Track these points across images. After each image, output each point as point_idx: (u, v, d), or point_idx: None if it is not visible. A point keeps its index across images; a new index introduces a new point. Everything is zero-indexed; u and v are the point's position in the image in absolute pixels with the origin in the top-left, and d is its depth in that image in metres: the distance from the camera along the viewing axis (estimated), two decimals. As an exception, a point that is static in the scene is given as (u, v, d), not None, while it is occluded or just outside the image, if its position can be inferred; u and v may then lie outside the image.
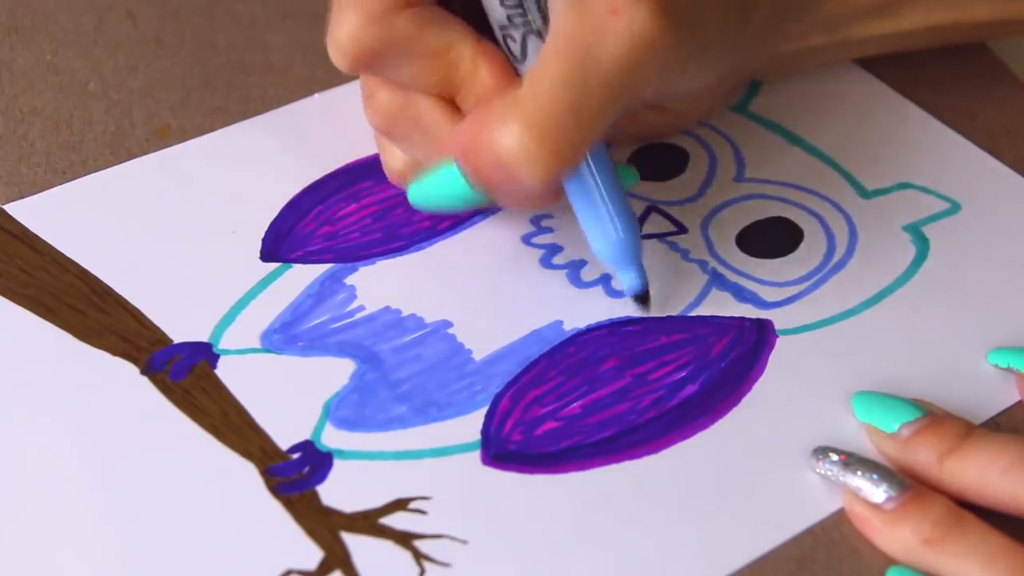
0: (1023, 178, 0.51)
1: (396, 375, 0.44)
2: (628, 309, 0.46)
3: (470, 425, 0.43)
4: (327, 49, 0.43)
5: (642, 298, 0.46)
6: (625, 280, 0.45)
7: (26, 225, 0.48)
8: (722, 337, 0.46)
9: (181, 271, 0.47)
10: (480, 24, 0.44)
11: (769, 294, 0.47)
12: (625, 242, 0.45)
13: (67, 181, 0.50)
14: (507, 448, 0.42)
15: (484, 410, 0.43)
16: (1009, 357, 0.45)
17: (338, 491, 0.41)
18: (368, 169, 0.50)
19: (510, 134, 0.40)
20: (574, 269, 0.48)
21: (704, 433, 0.43)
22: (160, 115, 0.52)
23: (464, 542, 0.40)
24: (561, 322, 0.46)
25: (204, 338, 0.45)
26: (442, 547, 0.40)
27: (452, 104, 0.44)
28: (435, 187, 0.45)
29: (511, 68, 0.44)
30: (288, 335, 0.45)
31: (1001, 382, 0.45)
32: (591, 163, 0.44)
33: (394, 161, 0.47)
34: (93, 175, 0.50)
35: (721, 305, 0.47)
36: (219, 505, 0.41)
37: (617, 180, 0.45)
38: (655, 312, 0.46)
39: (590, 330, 0.46)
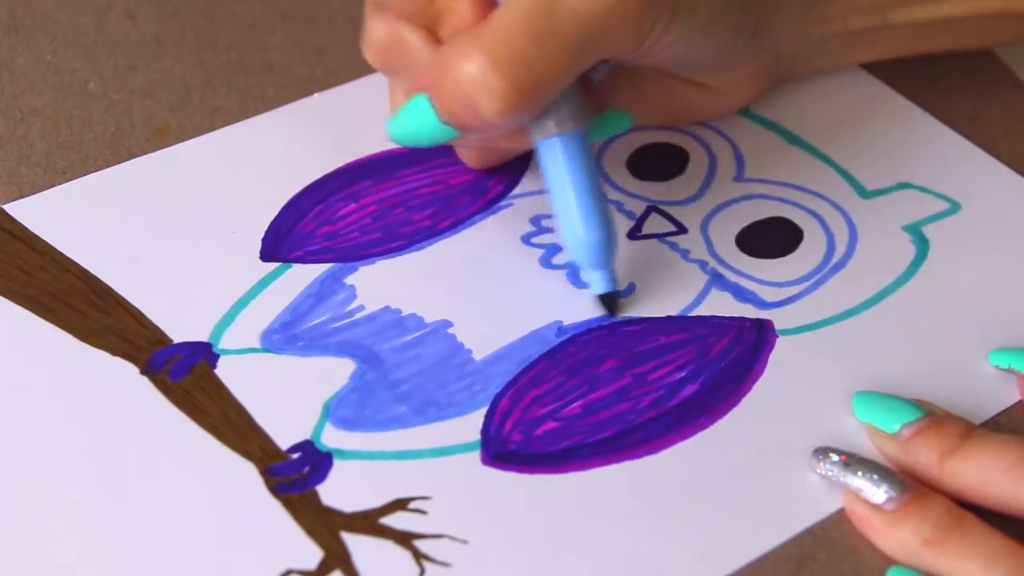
0: (1023, 178, 0.51)
1: (396, 375, 0.44)
2: (629, 308, 0.46)
3: (470, 425, 0.43)
4: None
5: (607, 300, 0.46)
6: (592, 280, 0.46)
7: (26, 225, 0.48)
8: (722, 337, 0.46)
9: (181, 271, 0.47)
10: None
11: (769, 294, 0.47)
12: (590, 244, 0.45)
13: (67, 181, 0.50)
14: (507, 448, 0.42)
15: (484, 410, 0.43)
16: (1010, 358, 0.45)
17: (338, 491, 0.41)
18: (368, 169, 0.50)
19: (473, 64, 0.41)
20: (574, 269, 0.48)
21: (704, 433, 0.43)
22: (160, 115, 0.52)
23: (464, 542, 0.40)
24: (561, 322, 0.46)
25: (204, 338, 0.45)
26: (442, 547, 0.40)
27: (438, 38, 0.45)
28: (408, 120, 0.44)
29: (490, 1, 0.44)
30: (288, 335, 0.45)
31: (1001, 382, 0.45)
32: (566, 157, 0.44)
33: (395, 100, 0.47)
34: (93, 175, 0.50)
35: (721, 305, 0.47)
36: (219, 505, 0.41)
37: (595, 177, 0.45)
38: (655, 312, 0.46)
39: (590, 330, 0.46)
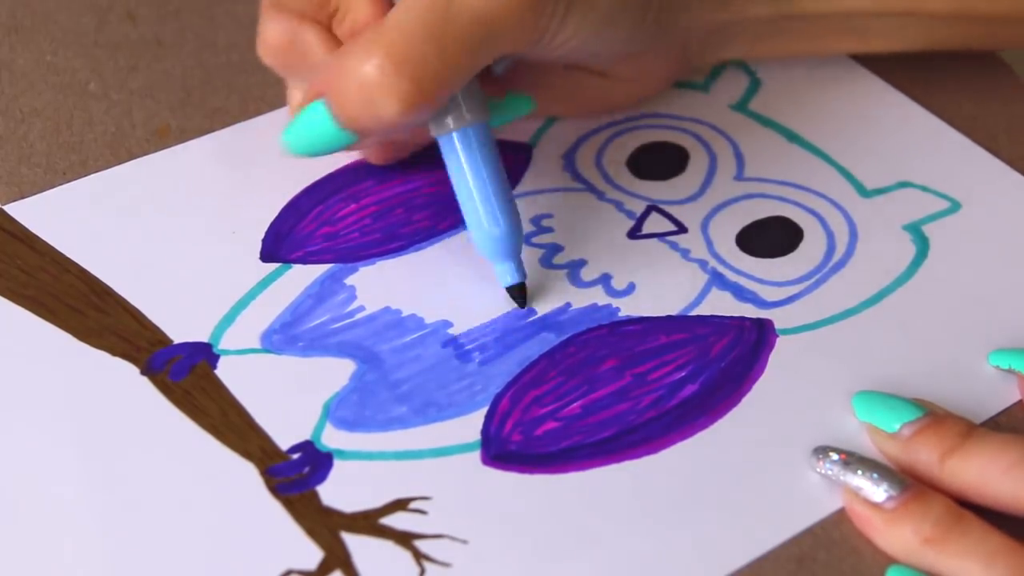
0: (1023, 177, 0.51)
1: (396, 375, 0.44)
2: (630, 309, 0.46)
3: (470, 425, 0.43)
4: None
5: (517, 291, 0.46)
6: (499, 273, 0.46)
7: (26, 225, 0.48)
8: (722, 337, 0.46)
9: (181, 271, 0.47)
10: None
11: (769, 293, 0.47)
12: (494, 237, 0.45)
13: (67, 181, 0.50)
14: (507, 448, 0.42)
15: (484, 410, 0.43)
16: (1010, 359, 0.45)
17: (338, 491, 0.41)
18: (368, 169, 0.50)
19: (372, 65, 0.41)
20: (574, 269, 0.48)
21: (704, 433, 0.43)
22: (160, 115, 0.52)
23: (464, 542, 0.40)
24: (561, 322, 0.46)
25: (204, 338, 0.45)
26: (442, 547, 0.40)
27: (337, 39, 0.45)
28: (305, 128, 0.44)
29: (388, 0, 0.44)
30: (288, 335, 0.45)
31: (1001, 381, 0.45)
32: (466, 151, 0.44)
33: (293, 103, 0.48)
34: (93, 175, 0.50)
35: (721, 305, 0.47)
36: (219, 505, 0.41)
37: (496, 169, 0.45)
38: (655, 312, 0.46)
39: (590, 330, 0.46)
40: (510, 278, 0.46)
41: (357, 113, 0.42)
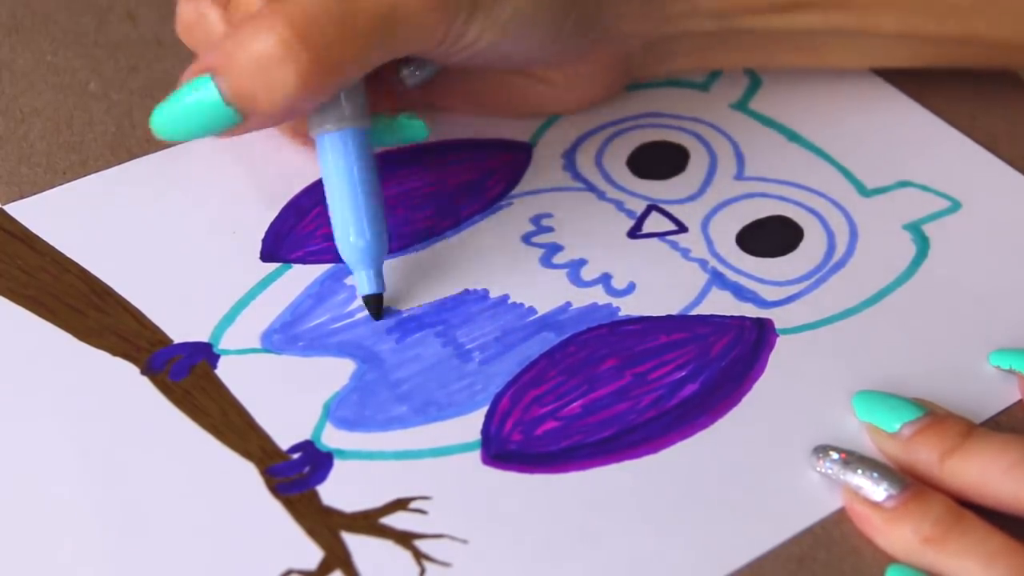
0: (1023, 176, 0.51)
1: (396, 375, 0.44)
2: (630, 308, 0.46)
3: (470, 425, 0.43)
4: None
5: (372, 302, 0.45)
6: (361, 280, 0.45)
7: (26, 225, 0.48)
8: (722, 336, 0.46)
9: (181, 271, 0.47)
10: None
11: (769, 293, 0.47)
12: (354, 246, 0.45)
13: (67, 181, 0.50)
14: (507, 448, 0.42)
15: (484, 410, 0.43)
16: (1010, 359, 0.45)
17: (338, 491, 0.41)
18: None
19: (274, 36, 0.41)
20: (574, 269, 0.48)
21: (704, 433, 0.43)
22: (160, 115, 0.52)
23: (464, 542, 0.40)
24: (561, 321, 0.46)
25: (204, 338, 0.45)
26: (442, 547, 0.40)
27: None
28: (183, 105, 0.43)
29: None
30: (288, 335, 0.45)
31: (1001, 381, 0.45)
32: (337, 155, 0.44)
33: None
34: (93, 175, 0.50)
35: (721, 304, 0.47)
36: (219, 505, 0.41)
37: (368, 179, 0.45)
38: (656, 311, 0.46)
39: (590, 330, 0.46)
40: (367, 287, 0.45)
41: (251, 87, 0.42)
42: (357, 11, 0.42)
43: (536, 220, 0.49)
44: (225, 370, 0.44)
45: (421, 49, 0.44)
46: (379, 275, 0.45)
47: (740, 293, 0.47)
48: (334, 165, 0.45)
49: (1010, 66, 0.53)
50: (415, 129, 0.47)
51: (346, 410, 0.43)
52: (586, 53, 0.49)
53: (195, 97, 0.43)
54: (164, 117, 0.44)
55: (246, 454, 0.42)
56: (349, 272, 0.47)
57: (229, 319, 0.45)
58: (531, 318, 0.46)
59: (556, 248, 0.48)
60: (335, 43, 0.41)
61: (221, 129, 0.43)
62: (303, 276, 0.47)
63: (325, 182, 0.45)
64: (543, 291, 0.47)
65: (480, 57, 0.46)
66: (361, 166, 0.45)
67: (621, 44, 0.50)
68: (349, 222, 0.45)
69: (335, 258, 0.47)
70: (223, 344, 0.45)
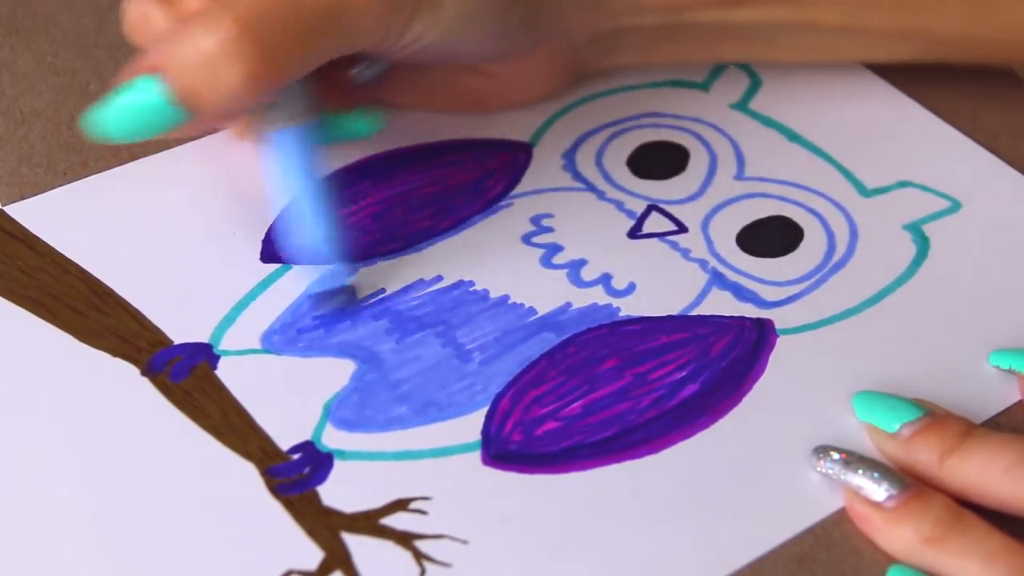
0: (1023, 177, 0.51)
1: (396, 375, 0.44)
2: (630, 308, 0.46)
3: (470, 425, 0.43)
4: None
5: (320, 299, 0.46)
6: (324, 277, 0.46)
7: (26, 226, 0.48)
8: (722, 336, 0.46)
9: (181, 272, 0.47)
10: None
11: (769, 293, 0.47)
12: (301, 244, 0.45)
13: (68, 182, 0.50)
14: (507, 448, 0.42)
15: (484, 410, 0.43)
16: (1010, 359, 0.45)
17: (338, 491, 0.41)
18: (368, 170, 0.50)
19: (219, 30, 0.41)
20: (574, 269, 0.48)
21: (704, 433, 0.43)
22: (160, 116, 0.52)
23: (464, 542, 0.40)
24: (561, 322, 0.46)
25: (204, 339, 0.45)
26: (442, 547, 0.40)
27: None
28: (127, 104, 0.43)
29: None
30: (288, 336, 0.45)
31: (1001, 381, 0.45)
32: (283, 153, 0.45)
33: None
34: (94, 176, 0.50)
35: (721, 304, 0.47)
36: (219, 506, 0.41)
37: (312, 177, 0.45)
38: (656, 311, 0.46)
39: (590, 330, 0.46)
40: (323, 284, 0.46)
41: (196, 83, 0.42)
42: (302, 7, 0.42)
43: (536, 220, 0.49)
44: (225, 371, 0.44)
45: (367, 45, 0.45)
46: (331, 272, 0.45)
47: (740, 293, 0.47)
48: (282, 164, 0.45)
49: (960, 60, 0.53)
50: (369, 123, 0.48)
51: (346, 411, 0.43)
52: (533, 48, 0.50)
53: (139, 96, 0.43)
54: (106, 118, 0.44)
55: (246, 455, 0.42)
56: (349, 273, 0.47)
57: (229, 320, 0.45)
58: (531, 318, 0.46)
59: (556, 248, 0.48)
60: (281, 39, 0.42)
61: (167, 128, 0.43)
62: (303, 277, 0.47)
63: (273, 178, 0.45)
64: (543, 291, 0.47)
65: (427, 53, 0.46)
66: (304, 166, 0.45)
67: (567, 39, 0.51)
68: (299, 217, 0.45)
69: (335, 258, 0.47)
70: (223, 345, 0.45)
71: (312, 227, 0.45)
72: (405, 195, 0.50)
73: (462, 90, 0.51)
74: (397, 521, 0.41)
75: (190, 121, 0.43)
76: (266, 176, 0.46)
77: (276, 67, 0.42)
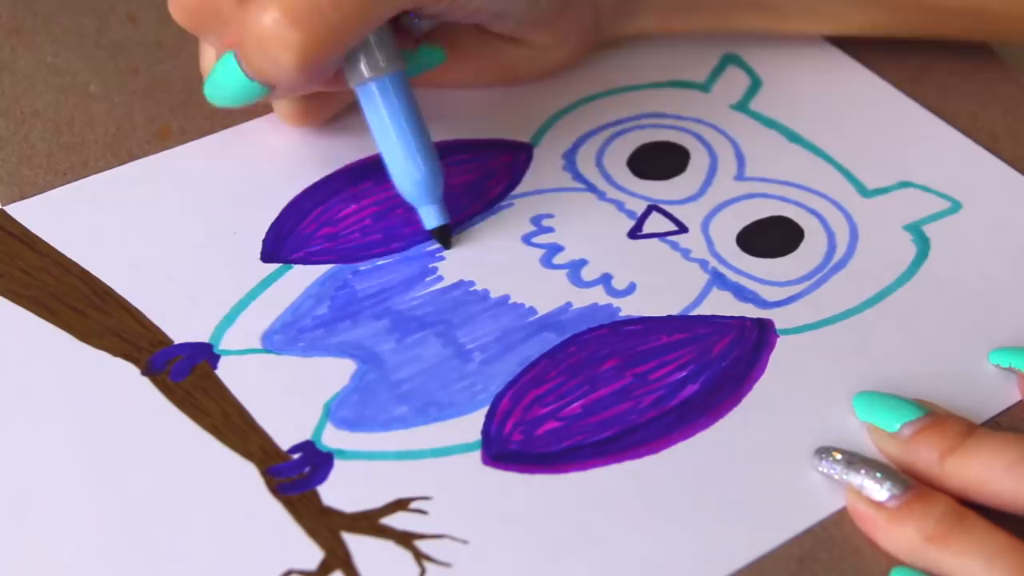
0: (1023, 177, 0.51)
1: (397, 375, 0.44)
2: (630, 308, 0.46)
3: (471, 425, 0.43)
4: None
5: (443, 232, 0.47)
6: (426, 215, 0.47)
7: (27, 226, 0.48)
8: (723, 337, 0.46)
9: (182, 272, 0.47)
10: None
11: (770, 293, 0.47)
12: (417, 181, 0.46)
13: (68, 182, 0.50)
14: (508, 448, 0.42)
15: (485, 410, 0.43)
16: (1010, 357, 0.45)
17: (339, 491, 0.41)
18: (368, 170, 0.50)
19: (268, 16, 0.42)
20: (574, 269, 0.48)
21: (705, 433, 0.43)
22: (161, 117, 0.52)
23: (464, 542, 0.40)
24: (562, 322, 0.46)
25: (205, 339, 0.45)
26: (443, 547, 0.40)
27: None
28: (221, 80, 0.45)
29: None
30: (289, 335, 0.45)
31: (1002, 382, 0.45)
32: (383, 100, 0.46)
33: (205, 61, 0.48)
34: (94, 176, 0.50)
35: (722, 305, 0.47)
36: (220, 505, 0.41)
37: (414, 115, 0.46)
38: (656, 312, 0.46)
39: (591, 330, 0.46)
40: (434, 220, 0.47)
41: (260, 65, 0.44)
42: None
43: (536, 220, 0.49)
44: (226, 370, 0.44)
45: (427, 6, 0.46)
46: (443, 207, 0.47)
47: (741, 293, 0.47)
48: (382, 111, 0.46)
49: (962, 34, 0.54)
50: (435, 55, 0.49)
51: (347, 410, 0.43)
52: (561, 13, 0.51)
53: (226, 73, 0.45)
54: (210, 89, 0.46)
55: (247, 454, 0.42)
56: (349, 273, 0.47)
57: (230, 320, 0.45)
58: (532, 318, 0.46)
59: (557, 248, 0.48)
60: (329, 13, 0.43)
61: (257, 98, 0.45)
62: (304, 277, 0.47)
63: (374, 130, 0.47)
64: (544, 291, 0.47)
65: (475, 14, 0.47)
66: (405, 107, 0.46)
67: (592, 3, 0.52)
68: (404, 161, 0.46)
69: (336, 258, 0.47)
70: (224, 344, 0.45)
71: (414, 168, 0.46)
72: (406, 195, 0.50)
73: (492, 60, 0.52)
74: (397, 521, 0.41)
75: (274, 92, 0.45)
76: (370, 126, 0.47)
77: (326, 44, 0.43)
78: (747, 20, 0.54)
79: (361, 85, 0.46)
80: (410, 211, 0.49)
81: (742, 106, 0.54)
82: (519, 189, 0.50)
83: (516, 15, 0.49)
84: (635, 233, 0.49)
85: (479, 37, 0.51)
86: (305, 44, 0.43)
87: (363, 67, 0.46)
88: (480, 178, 0.50)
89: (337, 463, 0.42)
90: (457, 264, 0.48)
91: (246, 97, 0.45)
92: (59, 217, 0.48)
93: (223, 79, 0.45)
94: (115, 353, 0.44)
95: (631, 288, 0.47)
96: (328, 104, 0.51)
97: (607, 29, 0.54)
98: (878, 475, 0.41)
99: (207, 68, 0.48)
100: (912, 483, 0.40)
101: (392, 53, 0.46)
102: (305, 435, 0.43)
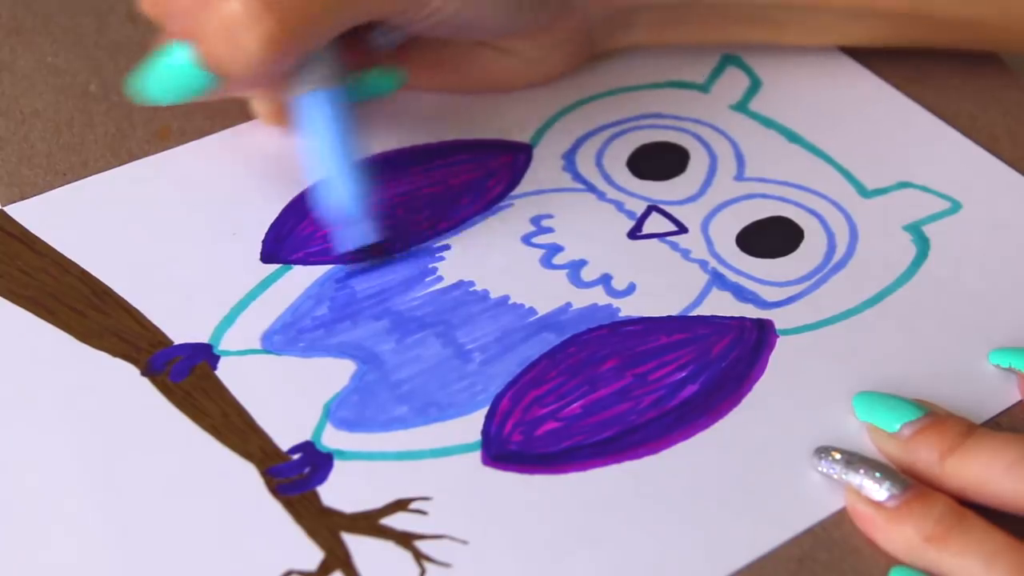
0: (1023, 177, 0.51)
1: (396, 376, 0.44)
2: (630, 309, 0.46)
3: (471, 426, 0.43)
4: None
5: (375, 251, 0.47)
6: (355, 233, 0.46)
7: (27, 227, 0.48)
8: (723, 337, 0.46)
9: (182, 272, 0.47)
10: None
11: (770, 294, 0.47)
12: (340, 200, 0.46)
13: (68, 183, 0.50)
14: (508, 448, 0.42)
15: (484, 410, 0.43)
16: (1010, 357, 0.45)
17: (339, 492, 0.41)
18: (368, 170, 0.50)
19: (237, 1, 0.42)
20: (574, 269, 0.48)
21: (705, 433, 0.43)
22: (161, 117, 0.52)
23: (464, 542, 0.40)
24: (561, 322, 0.46)
25: (205, 339, 0.45)
26: (442, 547, 0.40)
27: None
28: (164, 70, 0.45)
29: None
30: (288, 336, 0.45)
31: (1001, 382, 0.45)
32: (317, 115, 0.46)
33: None
34: (94, 177, 0.50)
35: (722, 305, 0.47)
36: (220, 506, 0.41)
37: (344, 136, 0.46)
38: (656, 312, 0.46)
39: (590, 330, 0.46)
40: (360, 239, 0.46)
41: (219, 52, 0.43)
42: None
43: (536, 221, 0.49)
44: (225, 371, 0.44)
45: (385, 13, 0.45)
46: (369, 225, 0.46)
47: (740, 294, 0.47)
48: (315, 126, 0.46)
49: (962, 44, 0.54)
50: (389, 80, 0.49)
51: (346, 411, 0.43)
52: (549, 24, 0.51)
53: (173, 61, 0.44)
54: (145, 81, 0.45)
55: (246, 455, 0.42)
56: (349, 273, 0.47)
57: (229, 320, 0.45)
58: (531, 319, 0.46)
59: (556, 249, 0.48)
60: (300, 8, 0.43)
61: (201, 91, 0.45)
62: (303, 277, 0.47)
63: (306, 142, 0.46)
64: (543, 292, 0.47)
65: (445, 26, 0.47)
66: (337, 126, 0.46)
67: (583, 16, 0.51)
68: (332, 178, 0.46)
69: (336, 259, 0.47)
70: (223, 345, 0.45)
71: (342, 186, 0.46)
72: (405, 195, 0.50)
73: (479, 69, 0.52)
74: (397, 521, 0.41)
75: (222, 86, 0.44)
76: (301, 140, 0.47)
77: (295, 36, 0.43)
78: (742, 33, 0.54)
79: (299, 97, 0.46)
80: (410, 211, 0.49)
81: (742, 106, 0.54)
82: (519, 189, 0.50)
83: (491, 29, 0.49)
84: (635, 233, 0.49)
85: (464, 48, 0.51)
86: (273, 32, 0.42)
87: (304, 77, 0.46)
88: (480, 178, 0.50)
89: (337, 463, 0.42)
90: (457, 264, 0.48)
91: (192, 90, 0.45)
92: (59, 217, 0.48)
93: (168, 71, 0.44)
94: (115, 354, 0.44)
95: (631, 288, 0.47)
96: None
97: (600, 42, 0.53)
98: (877, 475, 0.41)
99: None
100: (911, 483, 0.40)
101: (333, 69, 0.46)
102: (305, 435, 0.43)
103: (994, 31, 0.52)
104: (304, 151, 0.46)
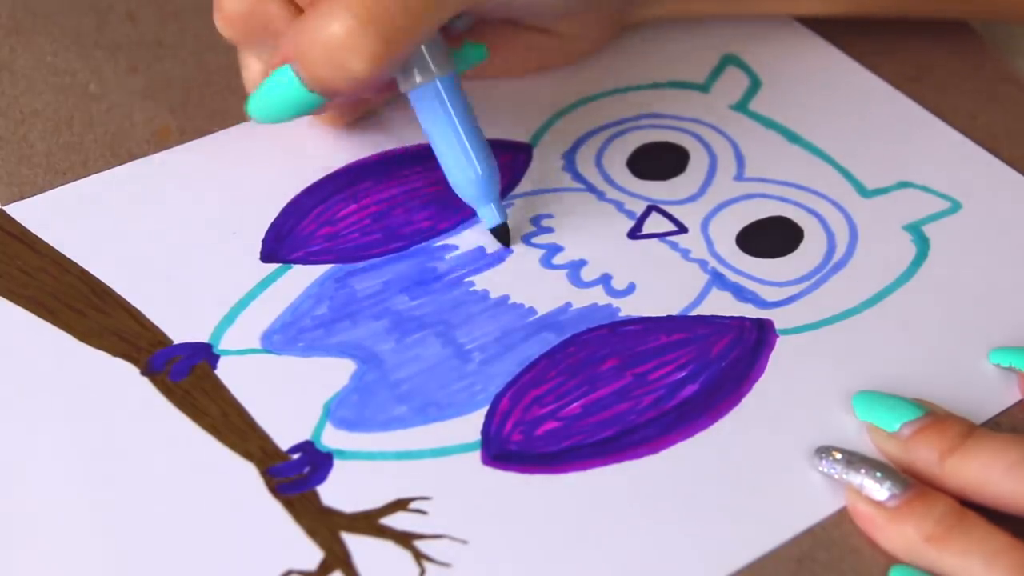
0: (1023, 177, 0.51)
1: (396, 375, 0.44)
2: (630, 309, 0.46)
3: (470, 425, 0.43)
4: None
5: (502, 231, 0.47)
6: (482, 215, 0.47)
7: (26, 226, 0.48)
8: (722, 337, 0.46)
9: (181, 272, 0.47)
10: None
11: (769, 294, 0.47)
12: (474, 181, 0.47)
13: (67, 182, 0.50)
14: (507, 448, 0.42)
15: (484, 410, 0.43)
16: (1010, 357, 0.45)
17: (338, 491, 0.41)
18: (368, 170, 0.50)
19: (337, 21, 0.42)
20: (574, 269, 0.48)
21: (704, 433, 0.43)
22: (160, 116, 0.52)
23: (464, 542, 0.40)
24: (561, 322, 0.46)
25: (204, 339, 0.45)
26: (442, 547, 0.40)
27: (299, 6, 0.45)
28: (272, 94, 0.45)
29: None
30: (288, 336, 0.45)
31: (1001, 382, 0.45)
32: (438, 103, 0.46)
33: (250, 73, 0.49)
34: (93, 176, 0.50)
35: (721, 305, 0.47)
36: (219, 505, 0.41)
37: (468, 116, 0.47)
38: (656, 312, 0.46)
39: (590, 330, 0.46)
40: (493, 219, 0.47)
41: (325, 74, 0.43)
42: None
43: (536, 220, 0.49)
44: (225, 371, 0.44)
45: (480, 4, 0.46)
46: (500, 206, 0.47)
47: (740, 294, 0.47)
48: (437, 114, 0.46)
49: (947, 15, 0.55)
50: (478, 52, 0.49)
51: (346, 410, 0.43)
52: (595, 2, 0.52)
53: (278, 86, 0.45)
54: (258, 105, 0.46)
55: (246, 454, 0.42)
56: (349, 272, 0.47)
57: (229, 320, 0.45)
58: (531, 318, 0.46)
59: (556, 249, 0.48)
60: (398, 17, 0.43)
61: (310, 110, 0.46)
62: (303, 276, 0.47)
63: (430, 133, 0.47)
64: (543, 291, 0.47)
65: (519, 9, 0.49)
66: (458, 108, 0.46)
67: None
68: (461, 162, 0.46)
69: (335, 258, 0.47)
70: (223, 344, 0.45)
71: (471, 169, 0.46)
72: (405, 195, 0.50)
73: (528, 51, 0.53)
74: (397, 521, 0.41)
75: (329, 101, 0.45)
76: (423, 131, 0.47)
77: (397, 47, 0.43)
78: (761, 4, 0.54)
79: (415, 90, 0.46)
80: (410, 211, 0.49)
81: (741, 106, 0.54)
82: (519, 189, 0.50)
83: (554, 9, 0.50)
84: (635, 233, 0.49)
85: (511, 30, 0.52)
86: (376, 50, 0.43)
87: (416, 72, 0.46)
88: (480, 178, 0.50)
89: (337, 463, 0.42)
90: (457, 264, 0.48)
91: (301, 109, 0.45)
92: (58, 217, 0.48)
93: (277, 93, 0.45)
94: (114, 353, 0.44)
95: (631, 288, 0.47)
96: (363, 104, 0.51)
97: (634, 15, 0.54)
98: (878, 474, 0.41)
99: (253, 82, 0.48)
100: (912, 483, 0.41)
101: (442, 57, 0.46)
102: (305, 435, 0.43)
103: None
104: (429, 141, 0.47)
